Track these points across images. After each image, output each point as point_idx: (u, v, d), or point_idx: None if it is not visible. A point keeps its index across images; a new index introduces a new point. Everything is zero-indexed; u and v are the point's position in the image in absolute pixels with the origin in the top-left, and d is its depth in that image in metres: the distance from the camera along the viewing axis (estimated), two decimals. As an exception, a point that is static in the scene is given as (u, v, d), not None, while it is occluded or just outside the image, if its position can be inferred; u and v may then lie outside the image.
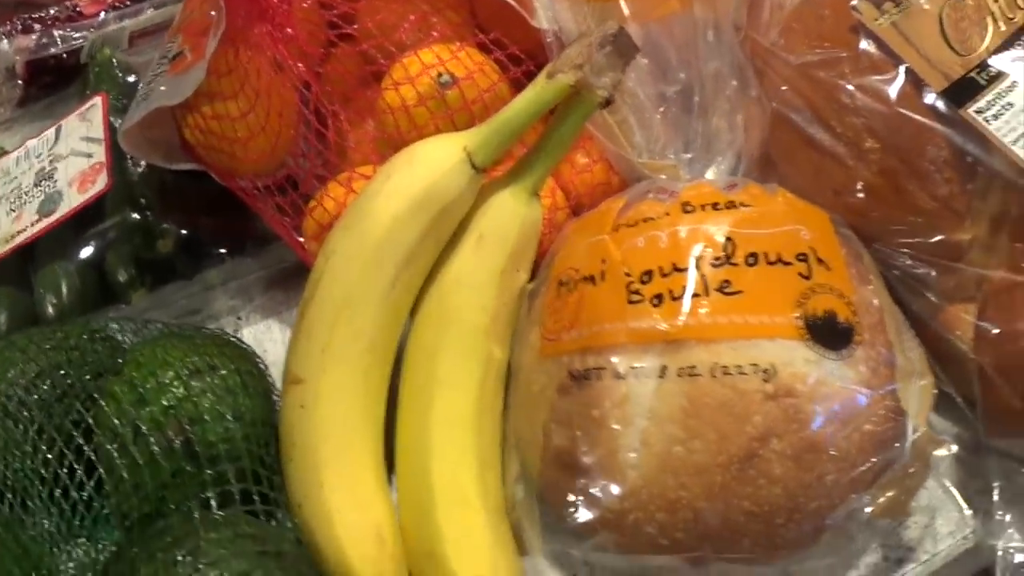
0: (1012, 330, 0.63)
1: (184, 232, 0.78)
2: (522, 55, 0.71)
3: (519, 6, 0.69)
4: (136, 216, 0.77)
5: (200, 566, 0.55)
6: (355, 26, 0.72)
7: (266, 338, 0.79)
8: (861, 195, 0.67)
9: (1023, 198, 0.65)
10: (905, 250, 0.68)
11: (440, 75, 0.68)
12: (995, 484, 0.67)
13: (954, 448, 0.67)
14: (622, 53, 0.64)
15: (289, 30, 0.68)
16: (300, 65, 0.69)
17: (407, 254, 0.65)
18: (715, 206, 0.64)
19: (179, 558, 0.55)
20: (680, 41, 0.71)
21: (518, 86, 0.66)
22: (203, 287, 0.80)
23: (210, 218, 0.78)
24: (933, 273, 0.67)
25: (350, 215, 0.66)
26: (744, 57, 0.72)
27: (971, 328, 0.66)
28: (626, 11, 0.70)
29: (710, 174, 0.72)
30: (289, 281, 0.77)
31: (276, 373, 0.67)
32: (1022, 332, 0.63)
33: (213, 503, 0.60)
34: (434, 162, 0.65)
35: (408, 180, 0.65)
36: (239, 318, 0.81)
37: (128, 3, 0.89)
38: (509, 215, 0.67)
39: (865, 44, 0.67)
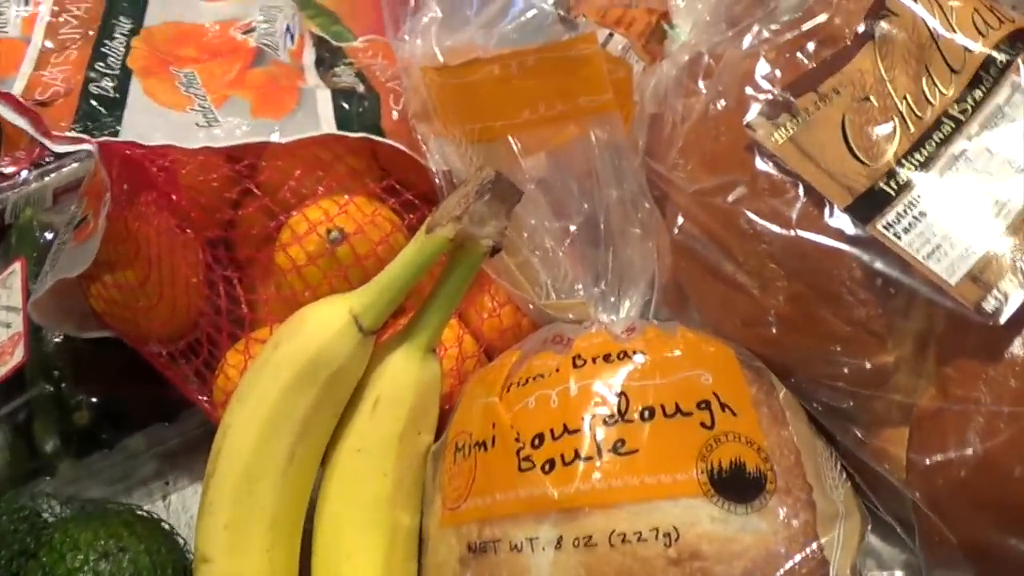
0: (942, 461, 0.59)
1: (99, 401, 0.76)
2: (417, 200, 0.68)
3: (411, 150, 0.67)
4: (51, 389, 0.76)
5: None
6: (260, 179, 0.70)
7: (193, 503, 0.77)
8: (772, 325, 0.63)
9: (948, 316, 0.60)
10: (827, 381, 0.64)
11: (329, 231, 0.66)
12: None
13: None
14: (504, 198, 0.62)
15: (174, 197, 0.66)
16: (189, 231, 0.67)
17: (301, 425, 0.63)
18: (607, 358, 0.61)
19: None
20: (580, 169, 0.68)
21: (414, 232, 0.64)
22: (127, 455, 0.78)
23: (127, 386, 0.77)
24: (858, 403, 0.63)
25: (243, 386, 0.64)
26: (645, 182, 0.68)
27: (901, 459, 0.61)
28: (516, 146, 0.66)
29: (624, 307, 0.67)
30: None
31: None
32: (952, 462, 0.59)
33: None
34: (320, 328, 0.63)
35: (295, 348, 0.63)
36: (167, 483, 0.79)
37: (50, 159, 0.88)
38: (404, 376, 0.65)
39: (761, 164, 0.63)
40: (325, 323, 0.63)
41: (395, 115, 0.72)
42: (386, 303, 0.64)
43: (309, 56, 0.80)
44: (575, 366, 0.61)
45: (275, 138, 0.68)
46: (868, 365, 0.63)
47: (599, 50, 0.67)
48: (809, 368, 0.64)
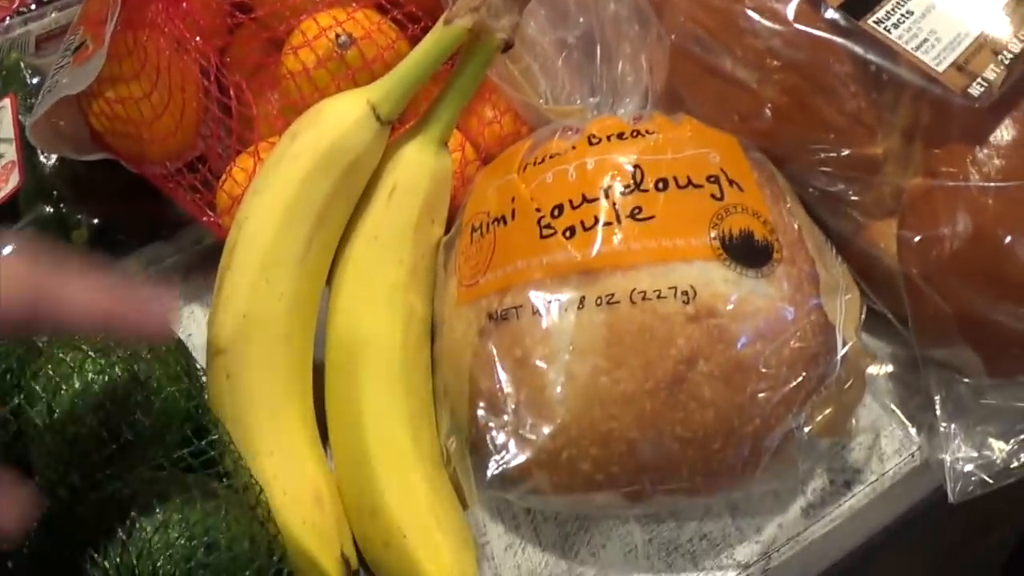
0: (933, 235, 0.63)
1: (98, 222, 0.77)
2: (419, 12, 0.70)
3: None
4: (50, 210, 0.76)
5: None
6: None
7: (191, 323, 0.78)
8: (768, 117, 0.66)
9: (933, 105, 0.65)
10: (820, 168, 0.67)
11: (338, 36, 0.68)
12: (935, 397, 0.67)
13: (888, 367, 0.67)
14: None
15: (184, 4, 0.67)
16: (199, 39, 0.68)
17: (319, 214, 0.65)
18: (620, 136, 0.64)
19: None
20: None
21: (417, 43, 0.65)
22: (122, 276, 0.78)
23: (124, 205, 0.77)
24: (850, 189, 0.66)
25: (259, 180, 0.65)
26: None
27: (894, 240, 0.65)
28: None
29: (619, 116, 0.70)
30: (207, 264, 0.75)
31: (201, 358, 0.66)
32: (944, 236, 0.63)
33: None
34: (339, 118, 0.64)
35: (314, 138, 0.64)
36: (166, 302, 0.79)
37: (32, 7, 0.88)
38: (418, 167, 0.66)
39: (760, -38, 0.66)
40: (344, 113, 0.65)
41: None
42: (403, 93, 0.65)
43: None
44: (590, 143, 0.64)
45: None
46: (859, 154, 0.66)
47: None
48: (803, 157, 0.67)
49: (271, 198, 0.65)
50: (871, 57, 0.65)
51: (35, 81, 0.85)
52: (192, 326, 0.77)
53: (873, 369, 0.64)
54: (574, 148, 0.63)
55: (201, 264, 0.77)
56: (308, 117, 0.65)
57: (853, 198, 0.67)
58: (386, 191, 0.66)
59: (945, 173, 0.64)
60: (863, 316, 0.64)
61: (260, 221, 0.65)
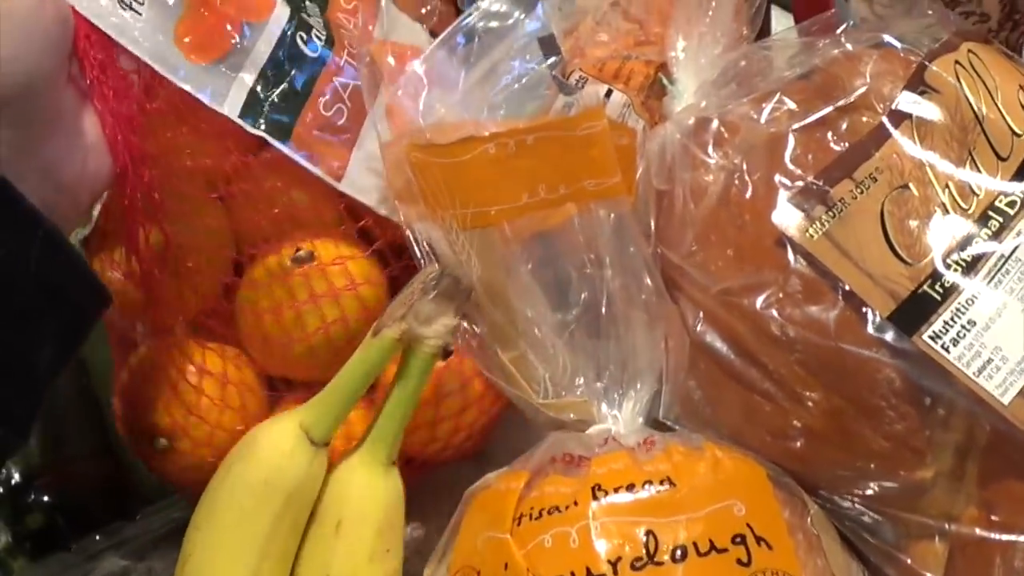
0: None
1: (54, 501, 0.69)
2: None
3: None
4: (0, 490, 0.68)
5: None
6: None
7: (152, 621, 0.70)
8: (802, 439, 0.57)
9: (992, 430, 0.55)
10: (855, 496, 0.59)
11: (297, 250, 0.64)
12: None
13: None
14: (450, 295, 0.60)
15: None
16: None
17: (261, 549, 0.59)
18: (630, 488, 0.55)
19: None
20: (578, 252, 0.61)
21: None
22: (86, 556, 0.71)
23: (84, 483, 0.69)
24: (893, 513, 0.58)
25: (198, 515, 0.60)
26: (655, 266, 0.61)
27: (938, 564, 0.58)
28: (509, 231, 0.60)
29: (628, 405, 0.61)
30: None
31: None
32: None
33: None
34: (271, 448, 0.60)
35: (248, 471, 0.60)
36: (132, 583, 0.72)
37: None
38: (367, 495, 0.61)
39: (795, 262, 0.56)
40: (276, 442, 0.60)
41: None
42: (336, 413, 0.61)
43: None
44: (595, 497, 0.55)
45: (173, 78, 0.60)
46: (904, 481, 0.58)
47: (607, 127, 0.60)
48: (838, 483, 0.59)
49: (211, 535, 0.60)
50: (925, 382, 0.55)
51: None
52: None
53: None
54: (576, 503, 0.55)
55: (173, 540, 0.69)
56: (242, 447, 0.61)
57: (891, 532, 0.59)
58: (332, 523, 0.60)
59: (1003, 524, 0.56)
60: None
61: (202, 559, 0.60)
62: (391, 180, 0.61)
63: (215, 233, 0.66)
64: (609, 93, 0.68)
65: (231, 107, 0.61)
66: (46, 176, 0.51)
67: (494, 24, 0.66)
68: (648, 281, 0.62)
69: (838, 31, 0.67)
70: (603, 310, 0.62)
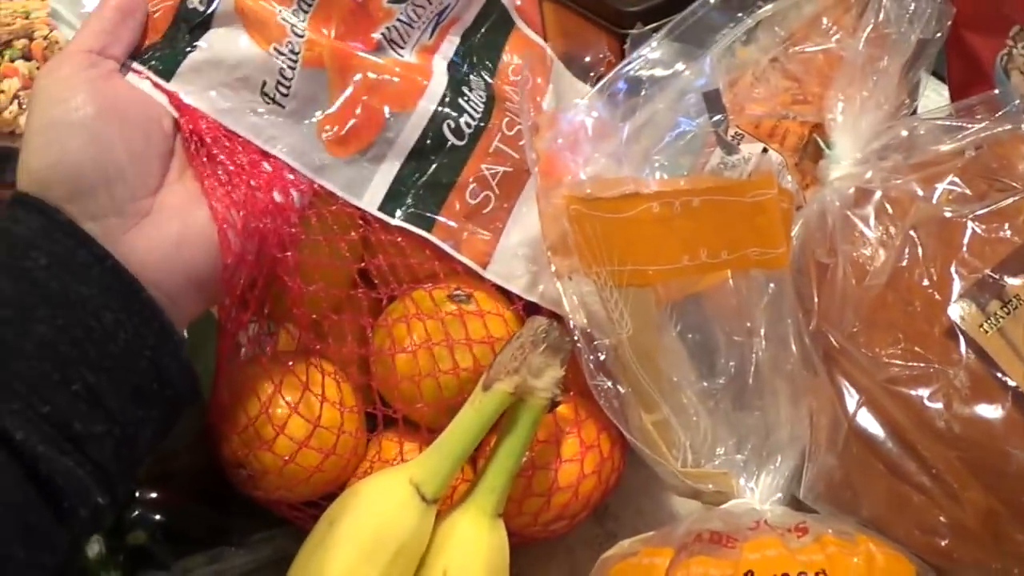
0: None
1: (159, 520, 0.67)
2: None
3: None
4: (101, 500, 0.66)
5: None
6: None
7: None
8: (952, 537, 0.55)
9: None
10: (1004, 600, 0.56)
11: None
12: None
13: None
14: (557, 348, 0.58)
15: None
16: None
17: None
18: (786, 578, 0.52)
19: None
20: (732, 317, 0.59)
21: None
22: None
23: (192, 504, 0.67)
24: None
25: (298, 569, 0.57)
26: (810, 340, 0.59)
27: None
28: (661, 290, 0.59)
29: (767, 480, 0.60)
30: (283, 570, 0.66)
31: None
32: None
33: None
34: (381, 502, 0.58)
35: (355, 525, 0.57)
36: (232, 612, 0.70)
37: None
38: (472, 546, 0.59)
39: (966, 356, 0.54)
40: (386, 496, 0.58)
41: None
42: (449, 469, 0.58)
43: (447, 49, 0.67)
44: (750, 581, 0.53)
45: (312, 175, 0.59)
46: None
47: (777, 196, 0.58)
48: (987, 586, 0.56)
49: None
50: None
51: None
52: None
53: None
54: (731, 589, 0.52)
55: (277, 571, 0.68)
56: (345, 500, 0.58)
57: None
58: (439, 574, 0.58)
59: None
60: None
61: None
62: (545, 231, 0.60)
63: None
64: (765, 152, 0.66)
65: (371, 200, 0.61)
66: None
67: (658, 73, 0.64)
68: (797, 353, 0.60)
69: (1003, 111, 0.64)
70: (750, 380, 0.61)
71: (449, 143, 0.63)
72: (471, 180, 0.63)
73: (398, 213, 0.61)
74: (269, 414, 0.60)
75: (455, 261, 0.62)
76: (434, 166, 0.62)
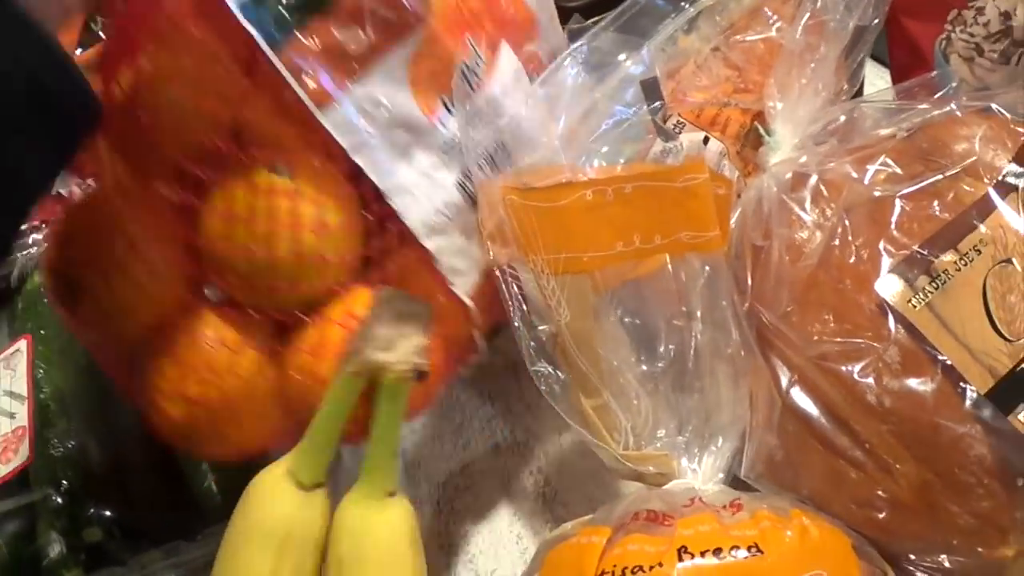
0: None
1: (113, 516, 0.68)
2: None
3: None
4: (58, 500, 0.67)
5: None
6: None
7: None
8: (887, 509, 0.56)
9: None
10: (936, 571, 0.58)
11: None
12: None
13: None
14: (407, 316, 0.57)
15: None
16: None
17: None
18: (717, 553, 0.53)
19: None
20: (667, 302, 0.60)
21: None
22: (142, 572, 0.70)
23: (145, 500, 0.68)
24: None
25: (216, 566, 0.59)
26: (744, 321, 0.60)
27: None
28: (600, 278, 0.60)
29: (708, 461, 0.60)
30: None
31: None
32: None
33: None
34: (261, 495, 0.59)
35: (244, 520, 0.59)
36: (188, 605, 0.71)
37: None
38: (363, 531, 0.59)
39: (895, 332, 0.55)
40: (265, 488, 0.59)
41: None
42: (318, 454, 0.58)
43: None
44: (681, 559, 0.54)
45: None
46: (985, 558, 0.56)
47: (708, 180, 0.59)
48: (918, 555, 0.58)
49: None
50: (1016, 459, 0.54)
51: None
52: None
53: None
54: (661, 564, 0.53)
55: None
56: (241, 499, 0.59)
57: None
58: (336, 565, 0.58)
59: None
60: None
61: None
62: (483, 220, 0.61)
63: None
64: (706, 140, 0.67)
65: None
66: None
67: (597, 62, 0.65)
68: (736, 335, 0.61)
69: (940, 93, 0.65)
70: (690, 363, 0.62)
71: None
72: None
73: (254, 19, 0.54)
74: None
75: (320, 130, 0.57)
76: None
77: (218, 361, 0.60)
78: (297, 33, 0.55)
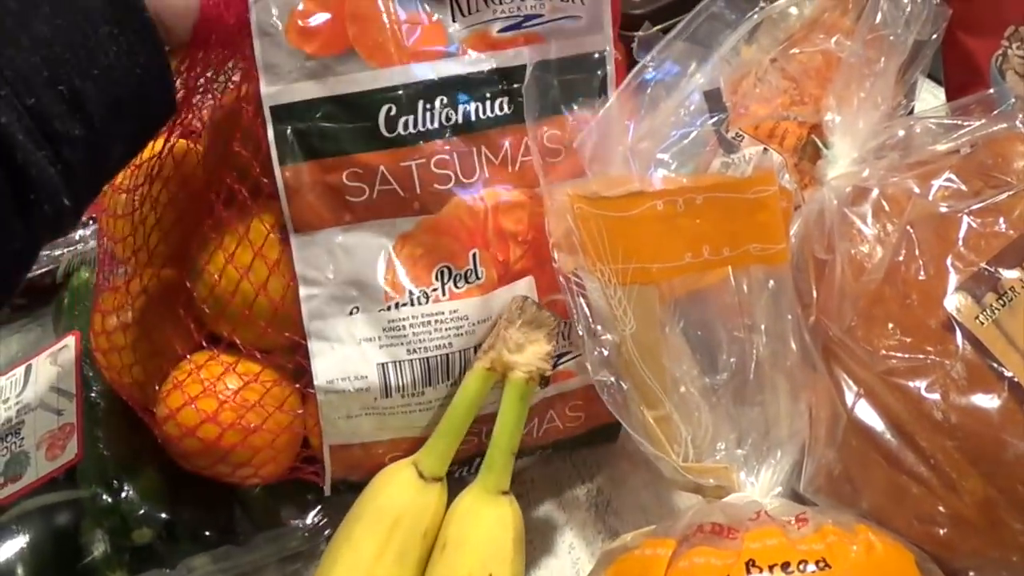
0: None
1: (165, 517, 0.68)
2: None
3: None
4: (108, 499, 0.67)
5: None
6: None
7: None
8: (950, 526, 0.56)
9: None
10: (1001, 587, 0.56)
11: None
12: None
13: None
14: (538, 323, 0.62)
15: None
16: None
17: (367, 569, 0.61)
18: (785, 567, 0.53)
19: None
20: (734, 314, 0.60)
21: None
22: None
23: (197, 504, 0.68)
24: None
25: (330, 545, 0.64)
26: (809, 335, 0.60)
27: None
28: (664, 287, 0.61)
29: (767, 474, 0.60)
30: (286, 569, 0.67)
31: None
32: None
33: None
34: (383, 483, 0.64)
35: (361, 504, 0.63)
36: (239, 611, 0.71)
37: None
38: (471, 519, 0.63)
39: (962, 348, 0.55)
40: (388, 477, 0.64)
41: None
42: (444, 447, 0.63)
43: None
44: (748, 572, 0.54)
45: None
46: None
47: (778, 192, 0.59)
48: (977, 572, 0.59)
49: (333, 556, 0.63)
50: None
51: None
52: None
53: None
54: (729, 576, 0.53)
55: (281, 570, 0.69)
56: (364, 490, 0.64)
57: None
58: (440, 547, 0.62)
59: None
60: None
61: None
62: (550, 228, 0.61)
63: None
64: (765, 152, 0.67)
65: None
66: None
67: (666, 73, 0.65)
68: (796, 348, 0.61)
69: (998, 110, 0.66)
70: (751, 376, 0.62)
71: None
72: None
73: None
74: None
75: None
76: None
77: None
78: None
